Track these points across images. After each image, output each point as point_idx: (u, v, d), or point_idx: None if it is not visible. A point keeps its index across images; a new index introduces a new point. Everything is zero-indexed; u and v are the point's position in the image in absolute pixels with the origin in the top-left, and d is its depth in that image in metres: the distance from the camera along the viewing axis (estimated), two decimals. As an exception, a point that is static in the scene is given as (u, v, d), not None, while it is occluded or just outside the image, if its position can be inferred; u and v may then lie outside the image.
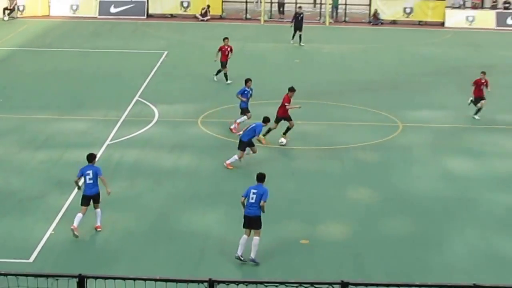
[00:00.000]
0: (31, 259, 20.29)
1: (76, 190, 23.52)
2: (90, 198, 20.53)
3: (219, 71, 37.23)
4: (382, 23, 58.63)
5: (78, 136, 30.01)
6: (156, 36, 51.74)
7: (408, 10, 59.14)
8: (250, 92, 30.01)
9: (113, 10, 57.55)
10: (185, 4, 59.20)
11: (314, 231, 22.54)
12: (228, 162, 26.04)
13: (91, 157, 21.02)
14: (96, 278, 8.53)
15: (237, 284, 12.05)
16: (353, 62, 45.98)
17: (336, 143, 30.13)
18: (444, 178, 26.99)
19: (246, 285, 11.99)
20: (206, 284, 8.60)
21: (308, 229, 22.60)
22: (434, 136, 31.44)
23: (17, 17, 56.60)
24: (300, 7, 51.08)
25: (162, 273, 18.55)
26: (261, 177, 19.37)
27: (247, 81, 30.17)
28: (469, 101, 32.52)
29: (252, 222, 19.02)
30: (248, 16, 59.53)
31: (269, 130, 28.16)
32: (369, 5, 59.21)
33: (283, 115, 28.48)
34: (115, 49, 46.72)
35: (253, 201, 18.85)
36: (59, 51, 45.88)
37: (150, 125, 31.94)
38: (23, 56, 44.59)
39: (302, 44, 48.20)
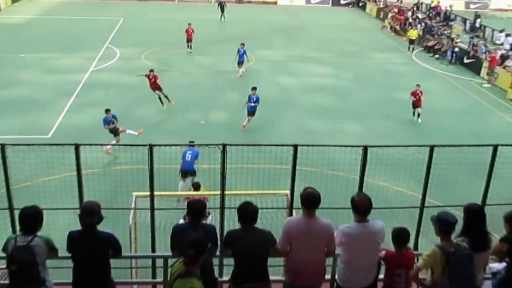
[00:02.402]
0: (49, 135, 20.38)
1: (74, 97, 24.31)
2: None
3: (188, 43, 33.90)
4: (243, 2, 56.32)
5: (73, 66, 30.23)
6: (115, 10, 49.48)
7: (256, -5, 56.67)
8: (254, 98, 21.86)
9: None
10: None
11: (208, 116, 23.23)
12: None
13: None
14: (85, 145, 8.10)
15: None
16: (232, 24, 44.66)
17: (220, 68, 30.23)
18: (277, 88, 28.16)
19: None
20: (220, 147, 7.84)
21: (204, 115, 23.31)
22: (272, 64, 32.84)
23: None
24: None
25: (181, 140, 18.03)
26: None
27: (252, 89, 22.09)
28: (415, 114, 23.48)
29: None
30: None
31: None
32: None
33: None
34: (90, 16, 45.39)
35: None
36: (58, 18, 44.82)
37: (115, 59, 32.09)
38: (38, 23, 42.73)
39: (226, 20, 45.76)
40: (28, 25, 41.52)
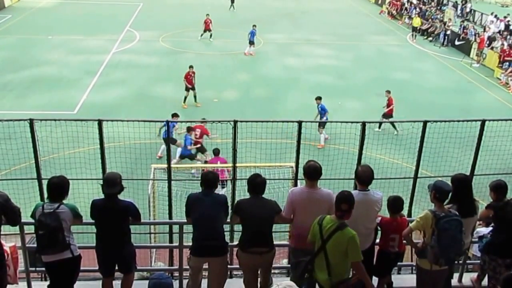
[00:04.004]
0: (75, 111, 20.44)
1: (98, 76, 23.98)
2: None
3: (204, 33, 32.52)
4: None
5: (97, 47, 30.29)
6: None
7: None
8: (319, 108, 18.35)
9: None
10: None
11: (221, 94, 23.23)
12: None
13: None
14: (107, 120, 7.95)
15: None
16: (242, 10, 43.23)
17: (231, 50, 29.96)
18: (283, 68, 28.06)
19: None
20: (232, 123, 7.58)
21: (217, 93, 23.29)
22: (278, 47, 32.60)
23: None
24: None
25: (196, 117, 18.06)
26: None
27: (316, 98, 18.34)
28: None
29: None
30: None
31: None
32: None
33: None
34: (112, 1, 45.12)
35: None
36: (82, 3, 44.44)
37: (135, 42, 32.02)
38: (64, 6, 42.27)
39: (234, 10, 42.93)
40: (55, 9, 41.16)
